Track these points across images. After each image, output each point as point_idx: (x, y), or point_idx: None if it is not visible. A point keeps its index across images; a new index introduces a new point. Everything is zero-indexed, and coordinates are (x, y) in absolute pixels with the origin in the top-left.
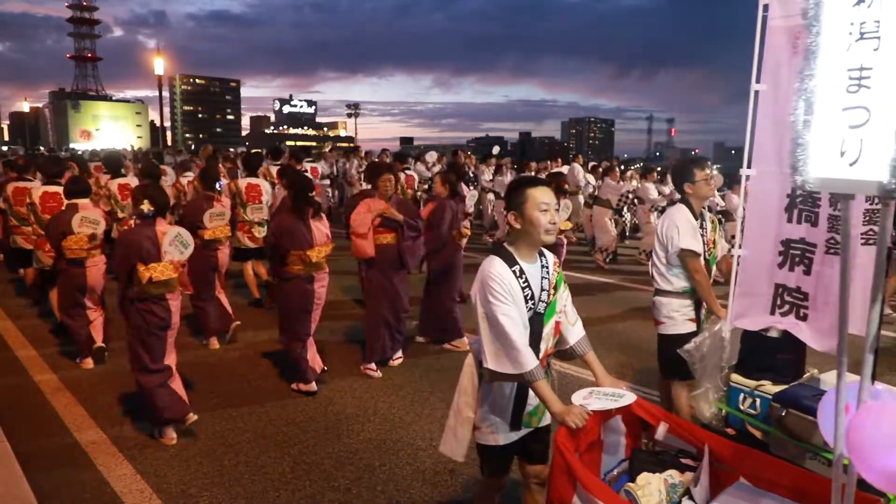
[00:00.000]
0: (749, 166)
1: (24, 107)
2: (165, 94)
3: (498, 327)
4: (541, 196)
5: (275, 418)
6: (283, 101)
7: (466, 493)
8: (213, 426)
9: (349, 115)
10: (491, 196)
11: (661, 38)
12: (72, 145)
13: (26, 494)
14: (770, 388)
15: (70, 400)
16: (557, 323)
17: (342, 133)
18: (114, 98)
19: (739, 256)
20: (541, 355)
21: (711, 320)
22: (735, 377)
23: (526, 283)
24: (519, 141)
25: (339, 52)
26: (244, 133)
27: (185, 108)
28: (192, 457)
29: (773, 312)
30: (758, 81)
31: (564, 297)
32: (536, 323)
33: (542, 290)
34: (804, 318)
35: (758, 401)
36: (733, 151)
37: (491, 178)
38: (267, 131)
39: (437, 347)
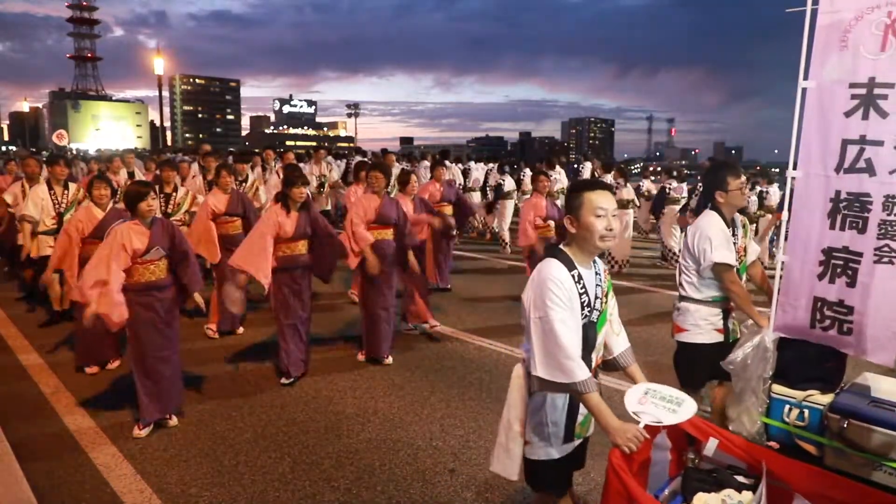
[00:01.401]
0: (794, 168)
1: (24, 107)
2: (165, 93)
3: (552, 333)
4: (598, 200)
5: (275, 418)
6: (283, 101)
7: (466, 493)
8: (213, 426)
9: (349, 115)
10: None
11: (661, 38)
12: (72, 145)
13: (26, 494)
14: (820, 398)
15: (70, 400)
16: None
17: (342, 133)
18: (114, 98)
19: (783, 262)
20: (592, 366)
21: (751, 330)
22: (778, 388)
23: (584, 290)
24: (519, 141)
25: (339, 51)
26: (244, 133)
27: (185, 107)
28: (192, 457)
29: (813, 326)
30: (805, 78)
31: (612, 305)
32: (589, 332)
33: (596, 297)
34: (849, 332)
35: (807, 412)
36: (733, 151)
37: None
38: (267, 131)
39: (437, 347)
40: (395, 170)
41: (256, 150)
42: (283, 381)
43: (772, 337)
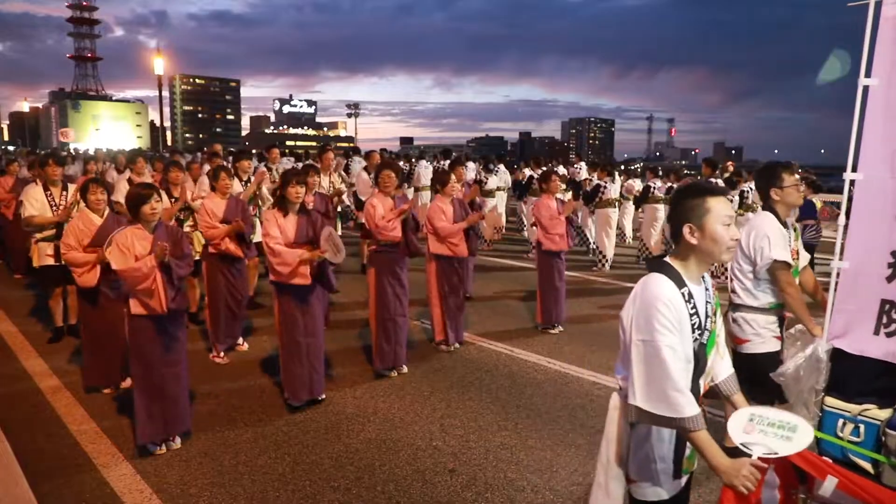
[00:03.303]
0: (854, 170)
1: (24, 107)
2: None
3: (659, 361)
4: (724, 207)
5: (274, 418)
6: (283, 101)
7: (466, 493)
8: (213, 426)
9: (349, 115)
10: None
11: (661, 38)
12: (72, 145)
13: (26, 494)
14: (877, 412)
15: (70, 400)
16: None
17: (342, 133)
18: (114, 98)
19: (839, 269)
20: (700, 392)
21: (803, 339)
22: (831, 401)
23: (694, 310)
24: (519, 141)
25: (339, 51)
26: (244, 133)
27: (185, 107)
28: (192, 457)
29: (877, 332)
30: (868, 76)
31: (720, 324)
32: (700, 355)
33: (707, 316)
34: None
35: (862, 427)
36: (733, 151)
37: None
38: (267, 131)
39: (436, 348)
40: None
41: (254, 151)
42: (292, 402)
43: (825, 347)
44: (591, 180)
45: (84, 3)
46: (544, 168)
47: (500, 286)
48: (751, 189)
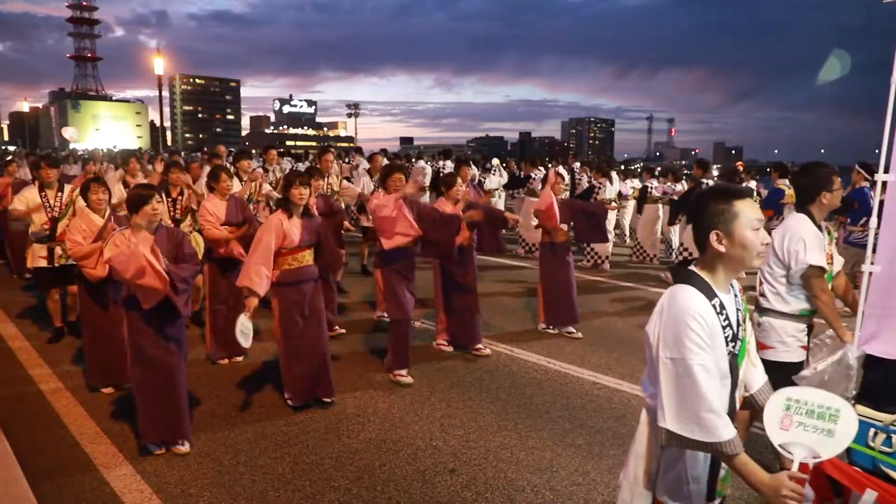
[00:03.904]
0: (886, 171)
1: (24, 107)
2: (165, 93)
3: (691, 381)
4: (753, 211)
5: (275, 418)
6: (283, 101)
7: (466, 493)
8: (213, 426)
9: (349, 115)
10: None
11: (661, 38)
12: (72, 145)
13: (26, 494)
14: None
15: (70, 400)
16: None
17: (342, 133)
18: (114, 98)
19: (871, 273)
20: (736, 407)
21: (831, 345)
22: (862, 409)
23: (727, 321)
24: (519, 141)
25: (340, 51)
26: (244, 133)
27: (185, 107)
28: (192, 457)
29: None
30: None
31: (750, 332)
32: (733, 367)
33: (738, 324)
34: None
35: (894, 437)
36: (733, 151)
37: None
38: (266, 131)
39: (437, 347)
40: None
41: (254, 150)
42: (293, 403)
43: (856, 353)
44: (580, 180)
45: (84, 3)
46: (541, 168)
47: (500, 285)
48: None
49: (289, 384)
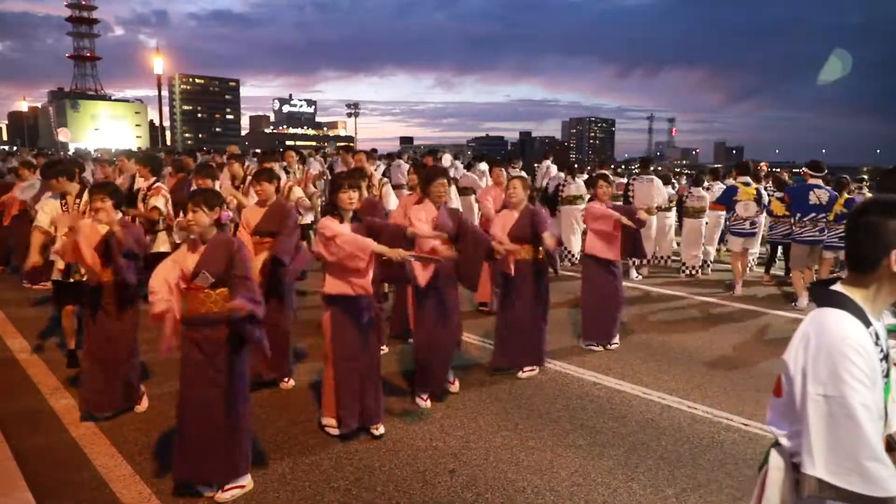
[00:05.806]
0: None
1: (23, 106)
2: (165, 93)
3: (850, 423)
4: None
5: (275, 418)
6: (283, 101)
7: (466, 493)
8: None
9: (349, 115)
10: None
11: (662, 38)
12: (72, 145)
13: (25, 495)
14: None
15: (70, 400)
16: None
17: (342, 133)
18: (113, 98)
19: None
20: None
21: None
22: None
23: (883, 353)
24: (519, 140)
25: (340, 51)
26: (243, 133)
27: (185, 107)
28: None
29: None
30: None
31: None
32: (883, 402)
33: (887, 355)
34: None
35: None
36: (734, 151)
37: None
38: (266, 131)
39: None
40: (377, 172)
41: (258, 150)
42: (332, 431)
43: None
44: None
45: (83, 3)
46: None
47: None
48: (707, 187)
49: (336, 408)
